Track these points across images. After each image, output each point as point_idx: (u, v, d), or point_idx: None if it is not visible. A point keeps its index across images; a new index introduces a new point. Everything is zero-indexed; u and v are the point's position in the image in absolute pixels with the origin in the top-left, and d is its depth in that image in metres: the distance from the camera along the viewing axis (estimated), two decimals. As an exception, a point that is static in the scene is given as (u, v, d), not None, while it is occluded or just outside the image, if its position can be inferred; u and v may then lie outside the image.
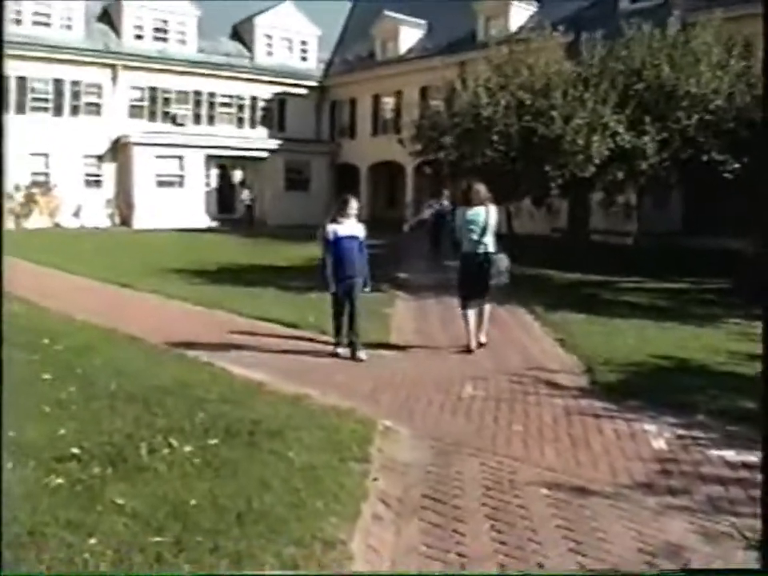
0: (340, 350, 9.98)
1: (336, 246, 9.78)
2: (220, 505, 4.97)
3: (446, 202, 22.47)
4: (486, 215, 10.08)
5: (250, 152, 38.71)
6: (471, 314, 10.35)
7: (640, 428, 6.94)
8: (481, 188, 10.23)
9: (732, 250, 18.76)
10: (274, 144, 39.52)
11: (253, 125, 40.43)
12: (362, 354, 9.80)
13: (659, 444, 6.51)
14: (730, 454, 6.16)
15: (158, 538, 4.51)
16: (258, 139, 39.72)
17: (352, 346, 9.89)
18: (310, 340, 10.80)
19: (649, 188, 20.36)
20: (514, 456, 6.19)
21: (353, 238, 9.85)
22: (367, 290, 10.16)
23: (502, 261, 10.22)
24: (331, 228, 9.83)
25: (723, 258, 17.94)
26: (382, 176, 39.12)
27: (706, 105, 17.54)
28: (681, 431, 6.84)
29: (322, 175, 40.79)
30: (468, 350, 10.17)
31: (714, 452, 6.27)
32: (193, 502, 5.01)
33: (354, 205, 9.92)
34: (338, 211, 9.95)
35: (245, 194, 37.95)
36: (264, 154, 39.10)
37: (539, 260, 19.58)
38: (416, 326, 12.32)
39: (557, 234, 25.73)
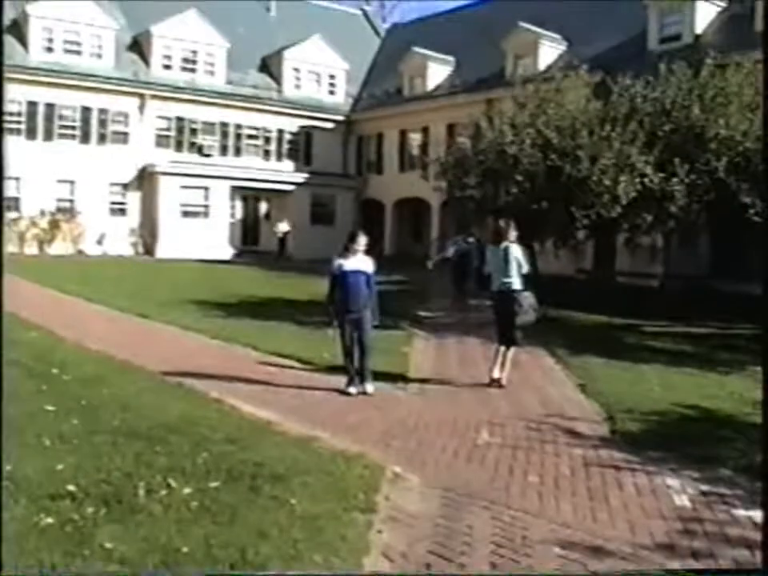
0: (352, 390, 9.81)
1: (342, 279, 9.77)
2: (213, 554, 4.73)
3: (471, 239, 22.22)
4: (511, 253, 10.20)
5: (276, 184, 38.74)
6: (500, 349, 10.55)
7: (662, 482, 6.62)
8: (507, 226, 10.33)
9: (760, 294, 18.40)
10: (300, 177, 39.57)
11: (279, 157, 40.51)
12: (370, 387, 9.78)
13: (682, 501, 6.19)
14: (757, 515, 5.82)
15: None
16: (284, 172, 39.77)
17: (360, 378, 9.83)
18: (325, 377, 10.59)
19: (676, 230, 20.05)
20: (527, 510, 5.89)
21: (359, 272, 9.81)
22: (375, 323, 10.04)
23: (527, 298, 10.27)
24: (337, 262, 9.87)
25: (751, 303, 17.57)
26: (408, 212, 39.02)
27: (735, 147, 17.27)
28: (705, 487, 6.52)
29: (348, 210, 40.73)
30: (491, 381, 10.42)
31: (741, 512, 5.93)
32: (185, 549, 4.77)
33: (362, 240, 9.93)
34: (346, 246, 9.94)
35: (280, 226, 37.82)
36: (290, 187, 39.13)
37: (563, 301, 19.25)
38: (434, 367, 12.08)
39: (582, 275, 25.44)
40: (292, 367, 11.36)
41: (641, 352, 13.53)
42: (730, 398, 9.91)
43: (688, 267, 23.75)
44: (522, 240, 10.55)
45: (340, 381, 10.09)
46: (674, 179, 16.96)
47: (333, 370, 10.89)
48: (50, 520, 5.12)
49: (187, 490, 5.74)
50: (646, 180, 17.04)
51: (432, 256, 28.76)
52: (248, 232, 39.08)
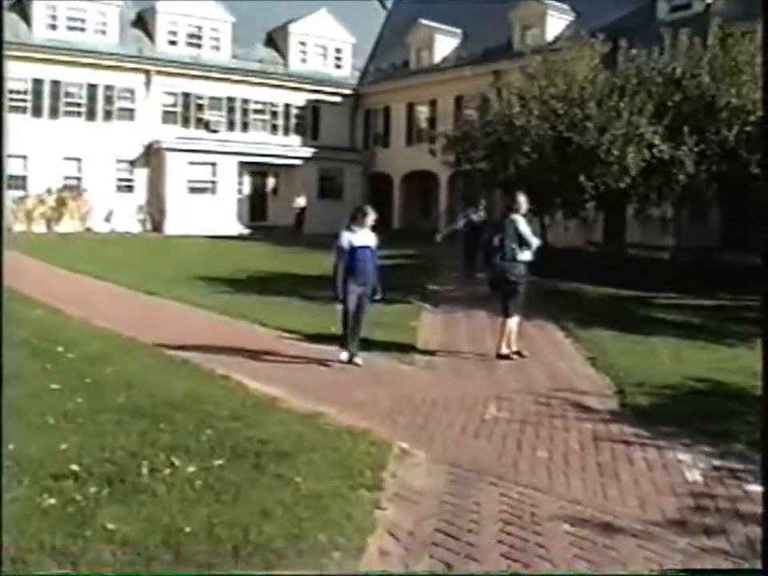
0: (343, 356, 9.99)
1: (351, 255, 9.77)
2: (216, 534, 4.65)
3: (482, 213, 22.03)
4: (515, 225, 10.17)
5: (283, 159, 38.56)
6: (509, 321, 10.54)
7: (673, 457, 6.52)
8: (517, 199, 10.33)
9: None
10: (307, 152, 39.37)
11: (286, 132, 40.27)
12: (359, 359, 9.97)
13: (694, 476, 6.09)
14: (770, 490, 5.73)
15: (145, 572, 4.20)
16: (292, 147, 39.58)
17: (352, 348, 10.03)
18: (332, 353, 10.44)
19: (686, 201, 19.85)
20: (536, 486, 5.80)
21: (366, 247, 9.86)
22: (378, 297, 10.16)
23: (516, 267, 10.32)
24: (346, 237, 9.83)
25: (760, 275, 17.41)
26: (416, 185, 38.78)
27: (746, 117, 17.01)
28: (717, 462, 6.41)
29: (356, 184, 40.53)
30: (499, 354, 10.50)
31: (754, 487, 5.82)
32: (188, 529, 4.70)
33: (372, 216, 10.01)
34: (355, 220, 9.95)
35: (298, 200, 37.65)
36: (297, 162, 38.94)
37: (573, 274, 19.17)
38: (442, 341, 11.99)
39: (592, 248, 25.27)
40: (299, 342, 11.29)
41: (651, 325, 13.40)
42: (741, 371, 9.78)
43: (699, 239, 23.54)
44: (532, 213, 10.43)
45: (346, 355, 10.04)
46: (683, 148, 16.74)
47: (340, 345, 10.77)
48: (52, 501, 5.06)
49: (191, 469, 5.68)
50: (654, 150, 16.83)
51: (440, 229, 28.61)
52: (256, 208, 38.93)
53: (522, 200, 10.36)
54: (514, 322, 10.55)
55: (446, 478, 5.94)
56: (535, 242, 10.36)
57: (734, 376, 9.57)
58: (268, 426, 6.81)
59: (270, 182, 39.76)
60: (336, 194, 39.84)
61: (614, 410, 8.11)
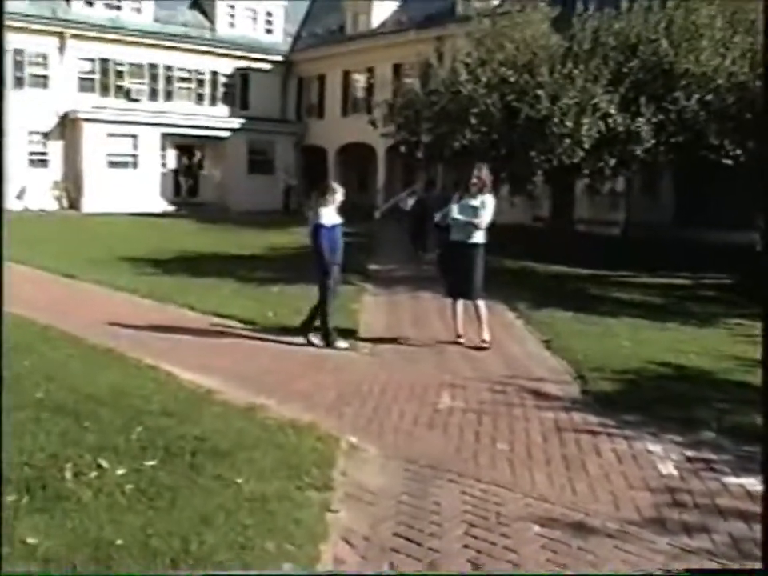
0: (341, 344, 10.07)
1: (329, 233, 9.96)
2: (151, 546, 4.39)
3: (431, 189, 21.86)
4: (489, 205, 10.19)
5: (210, 131, 38.03)
6: (459, 304, 10.56)
7: (643, 448, 6.43)
8: (483, 173, 10.26)
9: (729, 243, 18.42)
10: (235, 123, 38.86)
11: (213, 102, 39.67)
12: (317, 340, 10.17)
13: (667, 468, 5.99)
14: (750, 482, 5.64)
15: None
16: (219, 117, 39.01)
17: (316, 332, 10.24)
18: (270, 339, 10.35)
19: (639, 175, 19.94)
20: (499, 482, 5.65)
21: (339, 225, 10.17)
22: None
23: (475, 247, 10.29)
24: (326, 214, 9.99)
25: (719, 252, 17.58)
26: (352, 159, 38.52)
27: (706, 85, 17.01)
28: (690, 452, 6.32)
29: (288, 157, 40.18)
30: (457, 342, 10.40)
31: (731, 479, 5.74)
32: (119, 541, 4.44)
33: (340, 192, 10.26)
34: (326, 198, 10.10)
35: (283, 175, 36.89)
36: (225, 134, 38.42)
37: (520, 251, 19.21)
38: (387, 324, 11.87)
39: (539, 224, 25.31)
40: (233, 328, 11.05)
41: (606, 304, 13.47)
42: (706, 354, 9.80)
43: (651, 214, 23.71)
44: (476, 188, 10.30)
45: (287, 342, 9.96)
46: (640, 119, 16.72)
47: (278, 330, 10.70)
48: (-38, 512, 4.75)
49: (120, 471, 5.40)
50: (610, 121, 16.77)
51: (379, 206, 28.42)
52: (181, 183, 38.38)
53: (487, 175, 10.28)
54: (482, 306, 10.47)
55: (401, 476, 5.77)
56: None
57: (697, 359, 9.58)
58: (204, 422, 6.56)
59: (196, 155, 39.17)
60: (266, 168, 39.49)
61: (576, 397, 8.03)
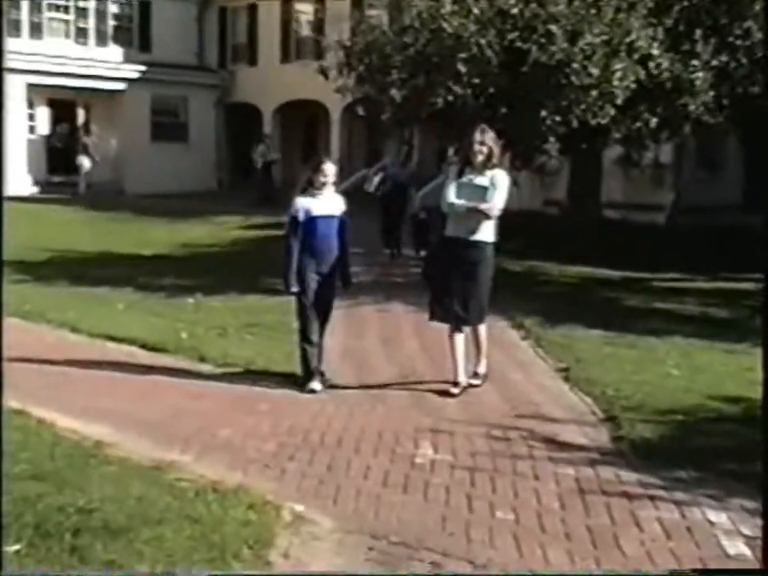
0: (316, 386, 9.86)
1: (308, 229, 9.89)
2: None
3: (410, 166, 21.92)
4: (501, 184, 9.69)
5: (98, 82, 38.05)
6: (460, 337, 10.00)
7: (701, 518, 6.47)
8: (492, 141, 9.75)
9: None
10: (133, 71, 38.92)
11: (101, 40, 39.59)
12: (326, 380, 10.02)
13: (735, 546, 6.02)
14: None
15: None
16: (110, 63, 39.03)
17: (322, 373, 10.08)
18: (184, 371, 10.43)
19: (693, 140, 20.04)
20: (501, 566, 5.70)
21: (331, 218, 10.00)
22: (348, 285, 10.54)
23: (484, 247, 9.80)
24: (302, 204, 9.93)
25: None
26: (296, 122, 38.73)
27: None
28: (767, 524, 6.41)
29: (207, 119, 40.26)
30: (450, 392, 9.80)
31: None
32: None
33: (330, 169, 10.03)
34: (310, 180, 10.02)
35: (259, 149, 35.92)
36: (119, 86, 38.51)
37: (527, 247, 19.29)
38: (345, 348, 11.93)
39: (552, 210, 25.47)
40: (133, 356, 11.15)
41: (648, 318, 13.61)
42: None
43: (711, 195, 23.85)
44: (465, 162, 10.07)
45: (207, 375, 10.10)
46: (695, 62, 16.81)
47: (196, 359, 10.84)
48: None
49: (-32, 561, 5.41)
50: (651, 65, 16.85)
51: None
52: (58, 155, 38.15)
53: (495, 141, 9.83)
54: (483, 330, 10.20)
55: (365, 556, 5.83)
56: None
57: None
58: (91, 487, 6.56)
59: (79, 116, 39.02)
60: (178, 134, 39.61)
61: (605, 446, 8.13)
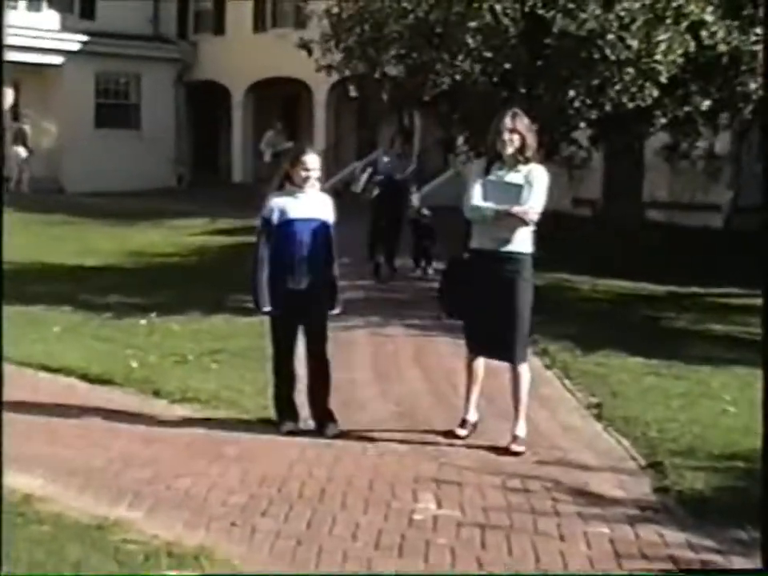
0: (288, 426, 9.91)
1: (283, 234, 9.78)
2: None
3: (409, 160, 21.91)
4: (539, 182, 9.45)
5: (31, 54, 37.96)
6: (480, 365, 9.88)
7: (762, 587, 6.50)
8: (526, 129, 9.49)
9: None
10: (74, 42, 39.06)
11: (34, 5, 39.59)
12: (333, 428, 9.84)
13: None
14: None
15: None
16: (45, 31, 39.16)
17: (318, 413, 10.03)
18: (133, 408, 10.42)
19: (756, 127, 20.08)
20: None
21: (312, 221, 9.85)
22: (336, 311, 10.30)
23: (524, 263, 9.56)
24: (276, 203, 9.84)
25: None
26: (272, 104, 38.79)
27: None
28: None
29: (164, 101, 40.41)
30: (457, 433, 9.77)
31: None
32: None
33: (312, 161, 9.84)
34: (287, 175, 9.89)
35: (270, 135, 35.67)
36: (56, 60, 38.62)
37: (553, 257, 19.24)
38: (332, 379, 11.85)
39: (584, 210, 25.54)
40: (72, 389, 11.22)
41: (700, 343, 13.64)
42: None
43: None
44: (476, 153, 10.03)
45: (160, 410, 10.12)
46: (757, 31, 16.84)
47: (149, 392, 10.88)
48: None
49: None
50: (704, 35, 16.87)
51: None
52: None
53: (529, 127, 9.53)
54: (525, 374, 9.73)
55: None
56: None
57: None
58: (18, 552, 6.56)
59: (7, 95, 39.08)
60: (128, 119, 39.81)
61: (646, 498, 8.13)
